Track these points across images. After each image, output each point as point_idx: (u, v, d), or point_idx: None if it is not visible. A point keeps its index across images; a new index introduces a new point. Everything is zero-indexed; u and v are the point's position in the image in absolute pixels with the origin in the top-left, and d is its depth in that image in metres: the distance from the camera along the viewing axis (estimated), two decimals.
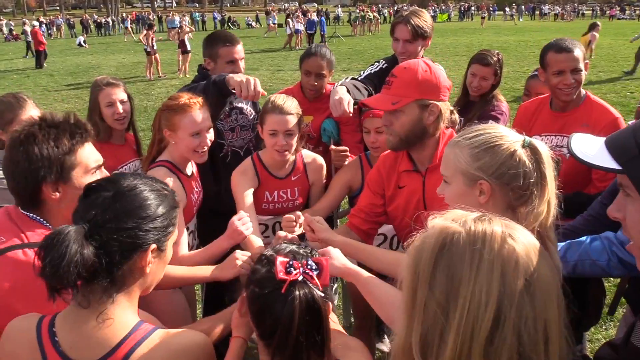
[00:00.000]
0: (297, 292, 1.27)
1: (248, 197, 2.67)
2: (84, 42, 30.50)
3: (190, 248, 2.55)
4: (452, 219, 1.01)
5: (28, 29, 25.02)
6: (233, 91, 2.71)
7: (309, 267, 1.32)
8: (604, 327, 3.82)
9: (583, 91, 2.97)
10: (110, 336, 1.29)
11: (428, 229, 1.03)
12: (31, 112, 2.69)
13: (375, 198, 2.44)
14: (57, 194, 1.71)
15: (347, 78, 3.20)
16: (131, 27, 39.76)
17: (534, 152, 1.53)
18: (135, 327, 1.32)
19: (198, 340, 1.35)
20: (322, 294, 1.31)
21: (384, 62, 3.36)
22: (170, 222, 1.39)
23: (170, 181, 2.37)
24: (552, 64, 2.86)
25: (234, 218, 2.23)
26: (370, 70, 3.31)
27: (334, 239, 2.08)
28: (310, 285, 1.30)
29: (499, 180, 1.52)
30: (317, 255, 1.42)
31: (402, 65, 2.22)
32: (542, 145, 1.55)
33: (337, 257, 1.81)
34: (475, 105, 3.63)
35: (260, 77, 14.80)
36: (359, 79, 3.23)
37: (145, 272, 1.36)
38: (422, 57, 3.35)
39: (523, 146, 1.53)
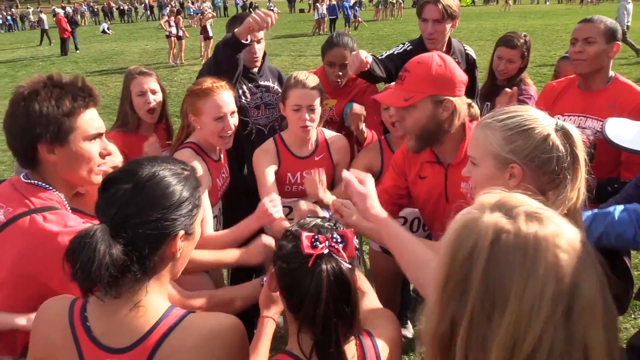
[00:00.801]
0: (324, 266, 1.27)
1: (270, 175, 2.66)
2: (108, 29, 30.76)
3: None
4: (502, 209, 0.94)
5: (44, 17, 25.43)
6: (245, 42, 2.73)
7: (334, 240, 1.33)
8: (632, 316, 3.75)
9: (612, 73, 2.89)
10: (142, 322, 1.28)
11: (473, 211, 0.97)
12: None
13: (399, 180, 2.40)
14: (53, 155, 1.68)
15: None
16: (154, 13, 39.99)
17: (566, 136, 1.49)
18: (167, 312, 1.31)
19: (230, 323, 1.33)
20: (349, 266, 1.32)
21: (409, 44, 3.29)
22: (195, 203, 1.36)
23: (197, 164, 2.37)
24: (572, 34, 2.87)
25: (265, 199, 2.22)
26: (394, 52, 3.24)
27: (362, 224, 2.04)
28: (336, 257, 1.30)
29: (532, 164, 1.49)
30: (341, 228, 1.42)
31: (416, 59, 2.14)
32: (575, 129, 1.51)
33: (370, 196, 1.80)
34: (502, 90, 3.54)
35: (282, 63, 14.78)
36: (380, 58, 3.18)
37: (176, 257, 1.35)
38: (450, 38, 3.29)
39: (556, 130, 1.49)
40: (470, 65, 3.44)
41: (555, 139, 1.48)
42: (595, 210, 1.97)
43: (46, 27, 26.42)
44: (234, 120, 2.52)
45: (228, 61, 2.86)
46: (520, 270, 0.87)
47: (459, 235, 0.95)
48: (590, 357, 0.86)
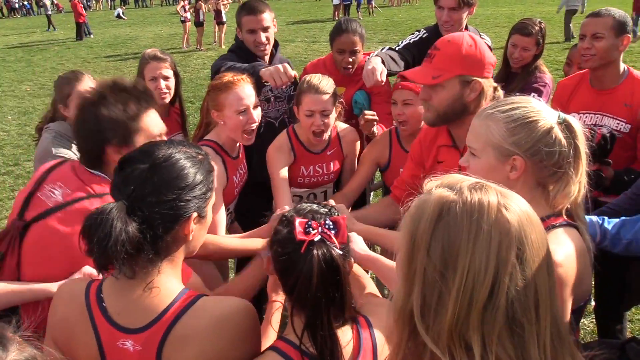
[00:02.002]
0: (315, 252, 1.30)
1: (283, 177, 2.66)
2: (123, 14, 30.81)
3: (226, 225, 2.55)
4: (448, 187, 1.02)
5: (47, 2, 25.55)
6: (266, 84, 2.71)
7: (326, 226, 1.36)
8: None
9: (624, 67, 2.84)
10: (156, 303, 1.31)
11: (424, 195, 1.04)
12: (88, 84, 2.76)
13: (417, 169, 2.38)
14: (120, 156, 1.71)
15: (383, 48, 3.11)
16: None
17: (569, 129, 1.48)
18: (180, 294, 1.34)
19: (241, 305, 1.36)
20: (341, 252, 1.34)
21: (424, 31, 3.25)
22: (209, 187, 1.40)
23: (214, 164, 2.37)
24: (580, 28, 2.85)
25: (278, 213, 2.23)
26: (409, 40, 3.21)
27: (353, 227, 2.08)
28: (328, 244, 1.33)
29: (534, 157, 1.47)
30: (336, 214, 1.44)
31: (446, 38, 2.11)
32: (576, 122, 1.50)
33: (357, 243, 1.85)
34: (516, 77, 3.50)
35: (296, 49, 14.74)
36: (397, 49, 3.14)
37: (188, 240, 1.38)
38: (467, 25, 3.25)
39: (558, 123, 1.48)
40: None
41: (558, 132, 1.46)
42: (624, 218, 1.95)
43: (49, 12, 26.55)
44: (257, 114, 2.49)
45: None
46: (467, 230, 0.95)
47: (412, 216, 1.02)
48: (539, 297, 0.95)
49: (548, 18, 20.72)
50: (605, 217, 1.96)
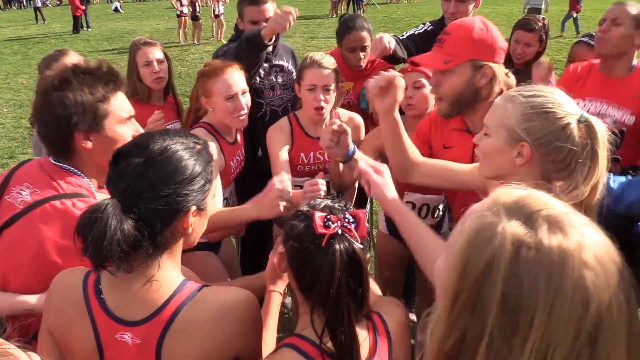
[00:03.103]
0: (337, 246, 1.27)
1: (283, 154, 2.64)
2: (120, 7, 30.65)
3: None
4: (520, 214, 0.85)
5: None
6: (268, 43, 2.68)
7: (346, 220, 1.33)
8: None
9: (635, 61, 2.82)
10: (156, 296, 1.28)
11: (490, 216, 0.87)
12: (73, 58, 2.73)
13: (423, 148, 2.32)
14: (89, 142, 1.67)
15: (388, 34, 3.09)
16: None
17: (588, 129, 1.43)
18: (180, 286, 1.31)
19: (243, 297, 1.34)
20: (361, 246, 1.32)
21: (429, 24, 3.23)
22: (208, 178, 1.35)
23: (211, 144, 2.35)
24: (603, 15, 2.83)
25: (275, 179, 2.20)
26: (414, 32, 3.18)
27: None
28: (349, 237, 1.30)
29: (543, 148, 1.45)
30: (352, 209, 1.42)
31: (457, 22, 2.08)
32: (600, 125, 1.45)
33: (387, 184, 1.77)
34: (519, 74, 3.47)
35: (294, 45, 14.67)
36: (401, 38, 3.11)
37: (187, 233, 1.34)
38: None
39: (579, 121, 1.43)
40: None
41: (575, 130, 1.42)
42: (630, 178, 1.91)
43: (39, 4, 26.36)
44: (245, 100, 2.49)
45: (249, 57, 2.81)
46: (545, 290, 0.79)
47: (472, 243, 0.86)
48: None
49: (547, 16, 20.70)
50: (612, 175, 1.91)
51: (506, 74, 2.10)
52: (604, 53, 2.79)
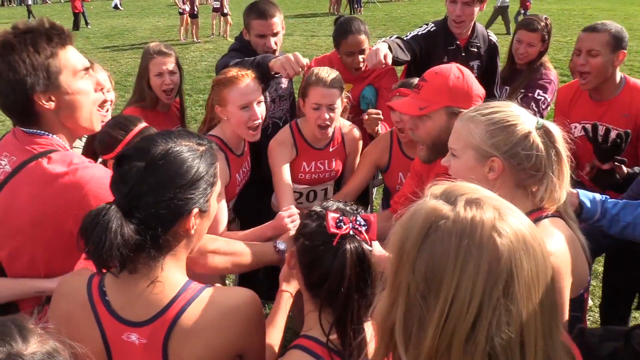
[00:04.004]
0: (347, 246, 1.31)
1: (285, 172, 2.64)
2: (120, 4, 30.60)
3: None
4: (445, 197, 0.97)
5: None
6: (276, 75, 2.65)
7: (357, 222, 1.37)
8: None
9: (620, 75, 2.83)
10: (160, 296, 1.29)
11: (421, 202, 0.99)
12: (99, 74, 2.66)
13: (419, 186, 2.34)
14: (52, 103, 1.64)
15: (391, 37, 3.06)
16: None
17: (547, 134, 1.53)
18: (185, 286, 1.32)
19: (247, 297, 1.36)
20: (371, 248, 1.35)
21: (432, 24, 3.22)
22: (211, 181, 1.35)
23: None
24: (576, 42, 2.82)
25: (284, 213, 2.20)
26: (417, 32, 3.18)
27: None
28: (359, 239, 1.34)
29: (512, 159, 1.53)
30: (364, 213, 1.45)
31: (434, 69, 2.14)
32: (556, 128, 1.55)
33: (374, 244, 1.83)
34: (521, 74, 3.48)
35: (294, 43, 14.65)
36: (405, 38, 3.11)
37: (190, 234, 1.34)
38: (475, 22, 3.21)
39: (537, 128, 1.54)
40: (492, 50, 3.39)
41: (536, 137, 1.52)
42: (626, 200, 1.96)
43: (29, 2, 26.24)
44: (260, 110, 2.46)
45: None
46: (455, 253, 0.88)
47: (403, 224, 0.98)
48: (525, 337, 0.88)
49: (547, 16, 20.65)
50: (608, 197, 1.96)
51: None
52: (591, 87, 2.79)
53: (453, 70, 2.08)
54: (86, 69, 1.71)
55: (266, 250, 2.07)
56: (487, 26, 17.11)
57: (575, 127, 2.91)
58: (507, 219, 0.92)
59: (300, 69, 2.57)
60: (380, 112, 2.92)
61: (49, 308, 1.43)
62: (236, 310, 1.32)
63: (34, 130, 1.66)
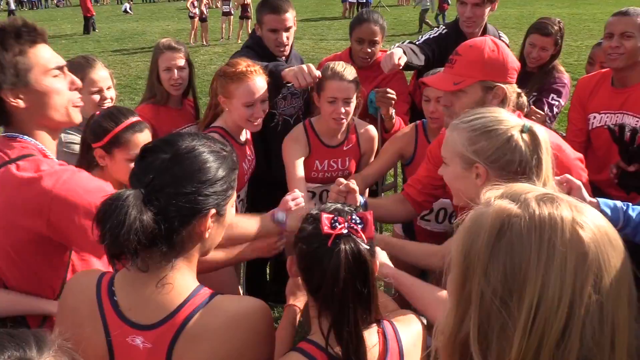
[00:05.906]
0: (342, 246, 1.29)
1: (299, 167, 2.62)
2: (130, 8, 30.84)
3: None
4: (511, 197, 0.89)
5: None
6: (288, 85, 2.66)
7: (353, 221, 1.34)
8: None
9: None
10: (169, 300, 1.27)
11: (481, 207, 0.91)
12: (101, 72, 2.69)
13: (433, 170, 2.33)
14: (20, 101, 1.62)
15: (404, 42, 3.07)
16: None
17: (533, 137, 1.52)
18: (195, 291, 1.30)
19: (257, 306, 1.33)
20: (368, 247, 1.32)
21: (444, 27, 3.22)
22: (230, 185, 1.35)
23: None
24: (606, 27, 2.81)
25: (288, 196, 2.18)
26: (429, 36, 3.17)
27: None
28: (355, 238, 1.31)
29: (494, 164, 1.52)
30: (361, 211, 1.43)
31: (468, 43, 2.08)
32: (542, 131, 1.55)
33: (380, 257, 1.80)
34: (533, 77, 3.44)
35: (303, 47, 14.66)
36: (417, 43, 3.09)
37: (204, 237, 1.33)
38: (486, 23, 3.20)
39: (522, 131, 1.52)
40: None
41: (519, 140, 1.51)
42: None
43: (12, 7, 26.48)
44: (264, 107, 2.49)
45: (270, 88, 2.72)
46: (537, 250, 0.82)
47: (467, 230, 0.90)
48: (616, 335, 0.81)
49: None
50: (630, 204, 1.91)
51: (519, 94, 2.10)
52: (620, 67, 2.77)
53: (488, 42, 2.02)
54: (59, 68, 1.69)
55: (264, 222, 2.06)
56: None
57: (595, 117, 2.88)
58: (585, 213, 0.86)
59: (312, 81, 2.57)
60: (394, 92, 2.90)
61: (58, 303, 1.43)
62: (245, 319, 1.29)
63: (9, 134, 1.66)
